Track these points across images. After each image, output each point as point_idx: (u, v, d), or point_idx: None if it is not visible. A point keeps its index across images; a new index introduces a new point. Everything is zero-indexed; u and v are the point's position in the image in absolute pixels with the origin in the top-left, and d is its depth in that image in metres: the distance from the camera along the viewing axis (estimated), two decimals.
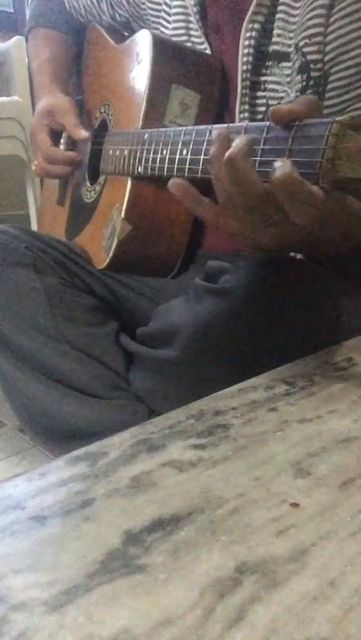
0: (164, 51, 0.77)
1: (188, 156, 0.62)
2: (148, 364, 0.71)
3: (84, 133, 0.90)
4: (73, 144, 0.97)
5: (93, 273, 0.85)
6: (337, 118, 0.44)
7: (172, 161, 0.66)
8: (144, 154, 0.73)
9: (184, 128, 0.64)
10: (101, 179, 0.91)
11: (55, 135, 0.96)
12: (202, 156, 0.59)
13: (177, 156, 0.65)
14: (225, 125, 0.56)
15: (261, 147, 0.50)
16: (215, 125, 0.58)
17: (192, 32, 0.80)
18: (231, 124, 0.56)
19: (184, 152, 0.63)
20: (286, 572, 0.28)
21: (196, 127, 0.62)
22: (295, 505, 0.33)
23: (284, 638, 0.24)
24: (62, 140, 0.96)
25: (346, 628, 0.25)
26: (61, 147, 0.96)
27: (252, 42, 0.72)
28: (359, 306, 0.64)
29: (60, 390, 0.72)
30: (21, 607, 0.25)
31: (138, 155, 0.74)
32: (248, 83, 0.74)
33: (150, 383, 0.71)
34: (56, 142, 0.96)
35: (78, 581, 0.27)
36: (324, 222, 0.48)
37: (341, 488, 0.34)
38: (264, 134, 0.50)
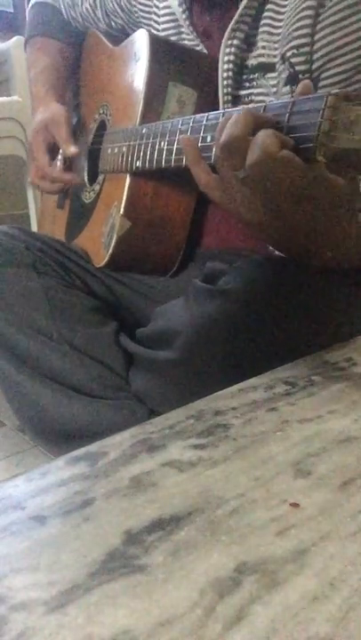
0: (162, 48, 0.77)
1: None
2: (148, 364, 0.71)
3: (73, 149, 0.88)
4: (70, 158, 0.96)
5: (93, 273, 0.86)
6: (332, 91, 0.44)
7: (169, 152, 0.66)
8: (142, 148, 0.72)
9: (181, 118, 0.64)
10: (100, 178, 0.91)
11: (54, 147, 0.94)
12: (199, 144, 0.59)
13: (175, 147, 0.65)
14: (221, 111, 0.56)
15: None
16: (211, 112, 0.59)
17: (184, 36, 0.80)
18: (228, 109, 0.56)
19: None
20: (286, 572, 0.28)
21: (193, 116, 0.62)
22: (295, 505, 0.33)
23: (284, 638, 0.24)
24: (59, 157, 0.95)
25: (346, 628, 0.25)
26: (58, 162, 0.94)
27: (232, 57, 0.71)
28: (359, 306, 0.64)
29: (59, 390, 0.72)
30: (21, 607, 0.25)
31: (136, 150, 0.74)
32: (230, 97, 0.73)
33: (150, 384, 0.71)
34: (54, 155, 0.95)
35: (78, 581, 0.27)
36: (308, 196, 0.48)
37: (341, 488, 0.34)
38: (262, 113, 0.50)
